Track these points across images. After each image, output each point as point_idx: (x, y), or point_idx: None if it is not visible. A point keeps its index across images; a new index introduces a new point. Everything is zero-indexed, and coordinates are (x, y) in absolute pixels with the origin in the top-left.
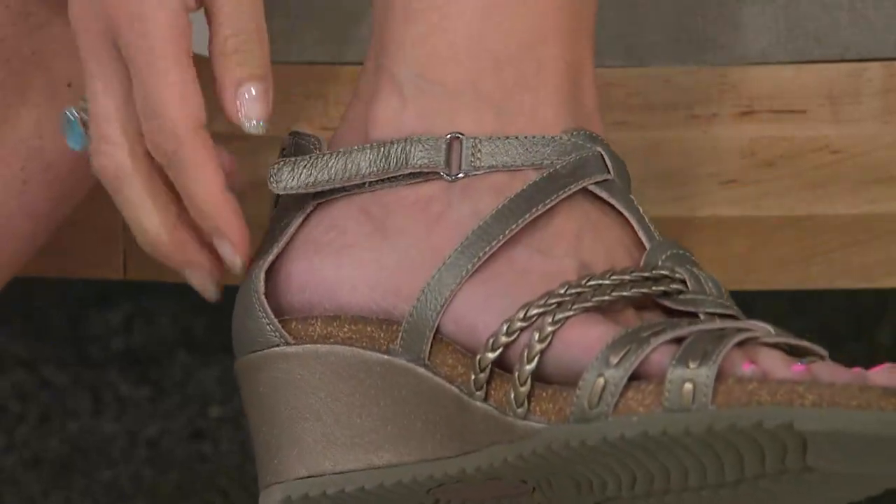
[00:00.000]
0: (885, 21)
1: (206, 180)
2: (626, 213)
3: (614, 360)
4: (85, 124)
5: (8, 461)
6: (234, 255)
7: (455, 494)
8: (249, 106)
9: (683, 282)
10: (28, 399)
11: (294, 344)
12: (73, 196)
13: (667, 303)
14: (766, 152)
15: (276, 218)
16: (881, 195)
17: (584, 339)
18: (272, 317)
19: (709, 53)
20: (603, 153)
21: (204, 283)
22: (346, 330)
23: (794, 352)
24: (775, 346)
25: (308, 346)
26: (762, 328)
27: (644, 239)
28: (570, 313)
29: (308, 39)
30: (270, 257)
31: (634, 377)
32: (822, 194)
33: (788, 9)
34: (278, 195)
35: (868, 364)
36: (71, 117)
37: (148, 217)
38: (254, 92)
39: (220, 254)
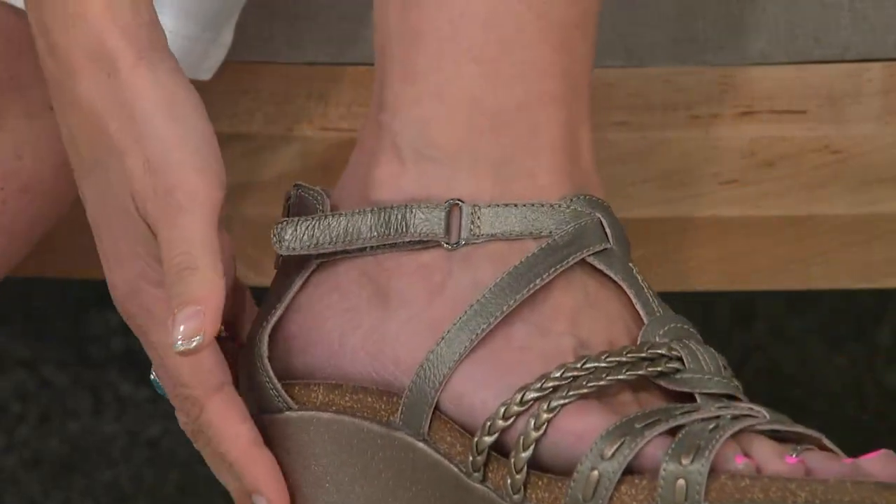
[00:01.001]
0: (885, 21)
1: (232, 441)
2: (624, 286)
3: (608, 452)
4: None
5: (8, 461)
6: None
7: None
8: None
9: (681, 359)
10: (28, 399)
11: (297, 409)
12: (51, 216)
13: (663, 383)
14: (767, 152)
15: (278, 278)
16: (881, 195)
17: (578, 427)
18: (275, 381)
19: (709, 54)
20: (602, 219)
21: None
22: (347, 399)
23: (789, 437)
24: (771, 431)
25: (311, 413)
26: (758, 413)
27: (642, 312)
28: (566, 401)
29: (308, 40)
30: (273, 319)
31: (628, 469)
32: (822, 194)
33: (788, 9)
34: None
35: (868, 366)
36: (156, 382)
37: (233, 441)
38: (192, 344)
39: None
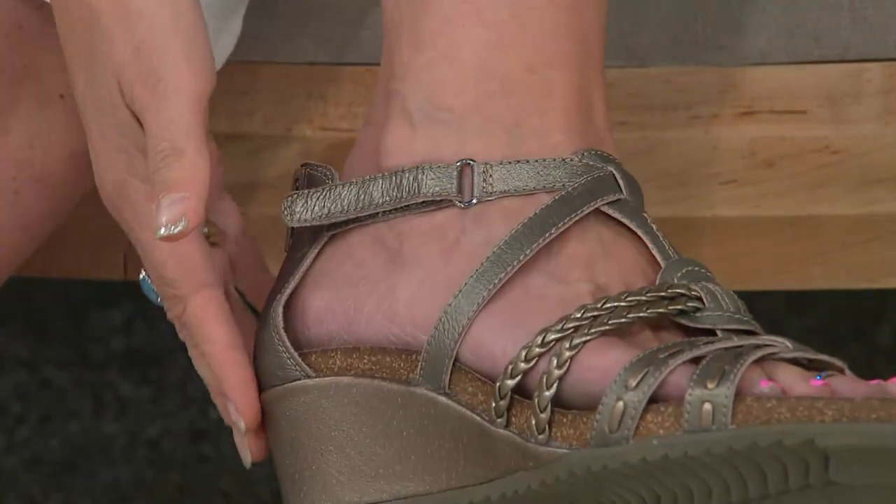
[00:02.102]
0: (885, 21)
1: (214, 341)
2: (639, 233)
3: (633, 383)
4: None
5: (8, 462)
6: (237, 417)
7: None
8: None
9: (700, 299)
10: (29, 399)
11: (315, 377)
12: (63, 207)
13: (684, 321)
14: (767, 152)
15: (291, 250)
16: (881, 195)
17: (601, 363)
18: (292, 351)
19: (709, 54)
20: (615, 173)
21: (237, 420)
22: (365, 361)
23: (812, 366)
24: (794, 360)
25: (329, 378)
26: (780, 343)
27: (659, 257)
28: (587, 338)
29: (308, 40)
30: (288, 291)
31: (653, 399)
32: (823, 195)
33: (788, 9)
34: (293, 228)
35: (868, 365)
36: (147, 285)
37: (212, 342)
38: (176, 228)
39: (221, 413)
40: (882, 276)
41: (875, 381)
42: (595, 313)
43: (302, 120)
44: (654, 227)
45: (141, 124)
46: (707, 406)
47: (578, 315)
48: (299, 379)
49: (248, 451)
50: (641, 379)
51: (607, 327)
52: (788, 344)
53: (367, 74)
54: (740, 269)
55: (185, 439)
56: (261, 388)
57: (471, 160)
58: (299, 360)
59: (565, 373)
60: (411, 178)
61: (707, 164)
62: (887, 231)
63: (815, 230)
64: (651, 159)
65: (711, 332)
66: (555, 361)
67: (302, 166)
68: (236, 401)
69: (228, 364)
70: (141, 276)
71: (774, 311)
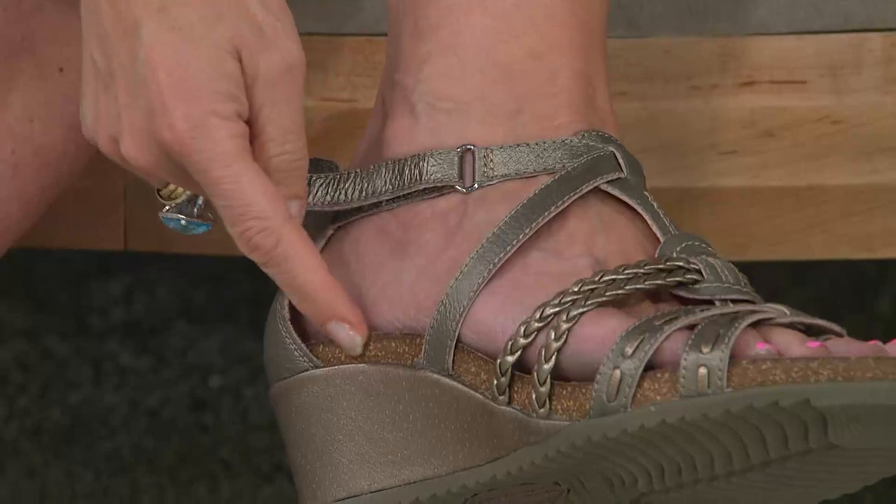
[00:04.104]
0: None
1: (312, 268)
2: (639, 209)
3: (629, 351)
4: (186, 213)
5: (9, 431)
6: (353, 336)
7: (492, 502)
8: None
9: (699, 271)
10: (29, 369)
11: (322, 367)
12: (63, 179)
13: (682, 293)
14: (767, 123)
15: None
16: (882, 165)
17: (598, 333)
18: (299, 342)
19: (709, 24)
20: (615, 152)
21: (353, 337)
22: (371, 349)
23: (810, 331)
24: (791, 326)
25: (335, 367)
26: (777, 310)
27: (658, 233)
28: (584, 309)
29: (308, 10)
30: None
31: (651, 367)
32: (823, 165)
33: None
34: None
35: (867, 335)
36: (175, 222)
37: (312, 271)
38: (292, 209)
39: (336, 338)
40: (882, 245)
41: (872, 342)
42: (592, 286)
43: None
44: (654, 204)
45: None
46: (703, 370)
47: (576, 289)
48: (307, 370)
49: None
50: (637, 346)
51: (604, 299)
52: (785, 310)
53: (366, 45)
54: (740, 239)
55: (185, 409)
56: (272, 380)
57: (471, 145)
58: (306, 350)
59: (563, 345)
60: (413, 166)
61: (707, 134)
62: (887, 201)
63: (815, 200)
64: (651, 130)
65: (711, 303)
66: (552, 334)
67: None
68: (353, 318)
69: (334, 286)
70: (163, 215)
71: (774, 281)
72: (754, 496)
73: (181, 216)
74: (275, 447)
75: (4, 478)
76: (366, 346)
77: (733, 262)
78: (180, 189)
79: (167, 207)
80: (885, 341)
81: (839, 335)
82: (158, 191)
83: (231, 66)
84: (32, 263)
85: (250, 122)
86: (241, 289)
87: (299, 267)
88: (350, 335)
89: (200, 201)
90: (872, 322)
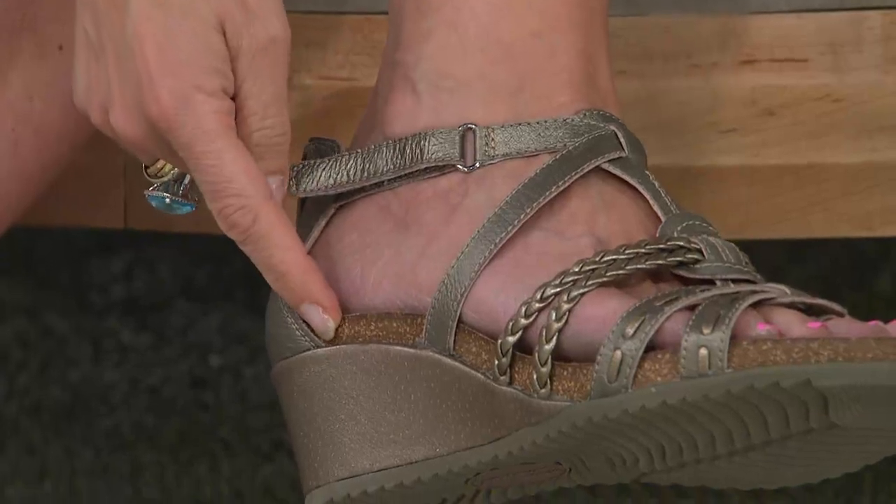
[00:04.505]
0: None
1: (288, 247)
2: (640, 189)
3: (630, 331)
4: (171, 192)
5: (9, 408)
6: (326, 320)
7: (494, 482)
8: None
9: (700, 251)
10: (29, 347)
11: (324, 346)
12: (63, 157)
13: (683, 273)
14: (767, 101)
15: (300, 223)
16: (882, 144)
17: (599, 313)
18: (301, 323)
19: (710, 2)
20: (617, 131)
21: (326, 321)
22: (372, 328)
23: (811, 311)
24: (792, 306)
25: (337, 347)
26: (778, 289)
27: (660, 213)
28: (585, 290)
29: None
30: None
31: (651, 347)
32: (823, 143)
33: None
34: (303, 200)
35: (868, 313)
36: (160, 200)
37: (288, 250)
38: (273, 185)
39: (309, 321)
40: (882, 224)
41: (873, 322)
42: (593, 266)
43: (301, 69)
44: (655, 183)
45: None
46: (703, 351)
47: (577, 269)
48: (309, 349)
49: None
50: (638, 327)
51: (605, 279)
52: (786, 290)
53: (365, 23)
54: (739, 217)
55: (185, 387)
56: (274, 360)
57: (472, 124)
58: (308, 330)
59: (564, 325)
60: (414, 145)
61: (707, 112)
62: (887, 179)
63: (816, 179)
64: (651, 108)
65: (711, 283)
66: (553, 315)
67: (310, 141)
68: (326, 301)
69: (310, 267)
70: (148, 193)
71: (774, 259)
72: (756, 475)
73: (166, 195)
74: (274, 426)
75: (4, 455)
76: (367, 324)
77: (733, 241)
78: (168, 167)
79: (153, 185)
80: (885, 320)
81: (840, 315)
82: (146, 168)
83: (216, 41)
84: (33, 241)
85: (235, 99)
86: (242, 268)
87: (275, 246)
88: (323, 318)
89: (187, 181)
90: (872, 300)
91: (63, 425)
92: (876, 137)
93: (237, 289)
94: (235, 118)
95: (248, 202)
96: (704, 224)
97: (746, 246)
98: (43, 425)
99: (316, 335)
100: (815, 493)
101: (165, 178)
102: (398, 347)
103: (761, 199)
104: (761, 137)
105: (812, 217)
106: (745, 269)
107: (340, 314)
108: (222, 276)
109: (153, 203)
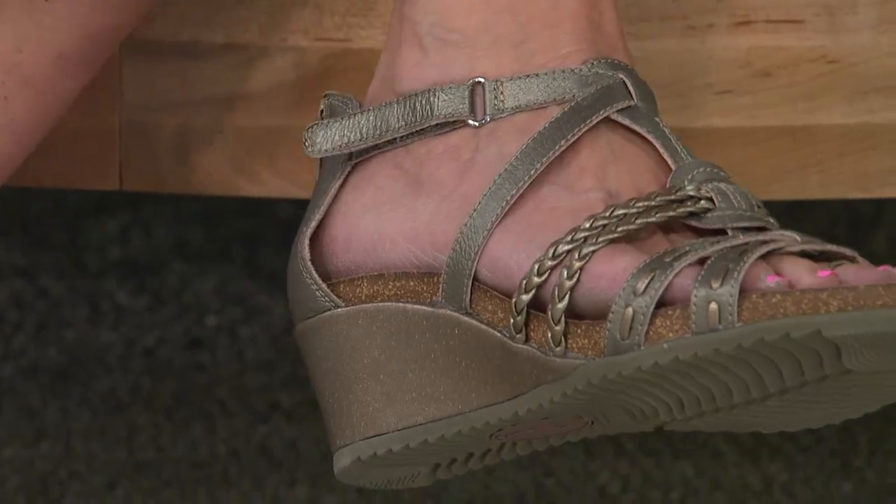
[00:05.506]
0: None
1: None
2: (650, 138)
3: (640, 288)
4: None
5: (6, 370)
6: None
7: (517, 436)
8: None
9: (711, 199)
10: (25, 308)
11: (343, 307)
12: (53, 112)
13: (694, 223)
14: (763, 62)
15: (318, 183)
16: (878, 105)
17: (610, 271)
18: (320, 282)
19: None
20: (626, 80)
21: None
22: (390, 287)
23: (822, 257)
24: (802, 253)
25: (356, 307)
26: (788, 237)
27: (669, 161)
28: (596, 247)
29: None
30: (314, 223)
31: (662, 303)
32: (819, 104)
33: None
34: (321, 160)
35: None
36: None
37: None
38: None
39: None
40: (878, 185)
41: (883, 267)
42: (604, 222)
43: (297, 30)
44: (666, 130)
45: None
46: (713, 306)
47: (588, 225)
48: (329, 310)
49: None
50: (648, 284)
51: (616, 235)
52: (797, 237)
53: None
54: (736, 178)
55: (181, 348)
56: (296, 321)
57: (481, 79)
58: (328, 290)
59: (576, 283)
60: (424, 102)
61: (703, 74)
62: (883, 140)
63: (811, 140)
64: (646, 70)
65: (724, 232)
66: (565, 273)
67: (325, 96)
68: None
69: None
70: None
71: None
72: (777, 419)
73: None
74: (271, 387)
75: (1, 416)
76: (386, 284)
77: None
78: None
79: None
80: None
81: (851, 259)
82: None
83: None
84: (28, 202)
85: None
86: (237, 229)
87: None
88: None
89: None
90: (869, 259)
91: (59, 387)
92: (872, 98)
93: (233, 250)
94: None
95: None
96: (716, 170)
97: None
98: (40, 387)
99: (336, 295)
100: (811, 454)
101: None
102: (416, 306)
103: (757, 161)
104: (757, 99)
105: (808, 178)
106: (757, 214)
107: None
108: (218, 236)
109: None
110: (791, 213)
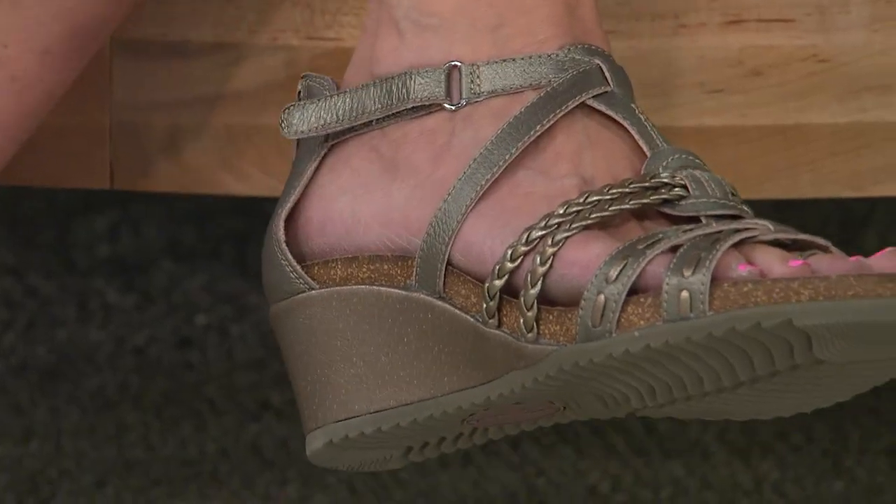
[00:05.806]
0: None
1: None
2: (625, 124)
3: (613, 275)
4: None
5: None
6: None
7: (489, 420)
8: None
9: (685, 187)
10: (14, 307)
11: (318, 289)
12: (41, 107)
13: (668, 210)
14: (754, 61)
15: (294, 165)
16: (869, 104)
17: (583, 257)
18: (294, 263)
19: None
20: (602, 65)
21: None
22: (364, 270)
23: (796, 246)
24: (776, 242)
25: (330, 289)
26: (761, 225)
27: (645, 147)
28: (569, 233)
29: None
30: (289, 205)
31: (635, 290)
32: (811, 103)
33: None
34: (298, 142)
35: None
36: None
37: None
38: None
39: None
40: (869, 184)
41: (854, 258)
42: (578, 208)
43: (287, 29)
44: (642, 117)
45: None
46: (684, 294)
47: (562, 211)
48: (303, 291)
49: None
50: (620, 271)
51: (589, 221)
52: (770, 226)
53: None
54: (727, 177)
55: (170, 346)
56: (271, 303)
57: (458, 62)
58: (302, 272)
59: (549, 270)
60: (400, 84)
61: (694, 73)
62: (875, 139)
63: (803, 139)
64: (638, 68)
65: (697, 220)
66: (538, 259)
67: (303, 77)
68: None
69: None
70: None
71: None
72: (748, 408)
73: None
74: (261, 385)
75: None
76: (360, 266)
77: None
78: None
79: None
80: None
81: (824, 249)
82: None
83: None
84: (17, 201)
85: None
86: (227, 227)
87: None
88: None
89: None
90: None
91: (48, 385)
92: (863, 97)
93: (223, 248)
94: None
95: None
96: (691, 157)
97: None
98: (29, 385)
99: (310, 277)
100: (802, 453)
101: None
102: (390, 289)
103: (749, 160)
104: (748, 98)
105: (800, 177)
106: (731, 202)
107: None
108: (208, 235)
109: None
110: (781, 213)
